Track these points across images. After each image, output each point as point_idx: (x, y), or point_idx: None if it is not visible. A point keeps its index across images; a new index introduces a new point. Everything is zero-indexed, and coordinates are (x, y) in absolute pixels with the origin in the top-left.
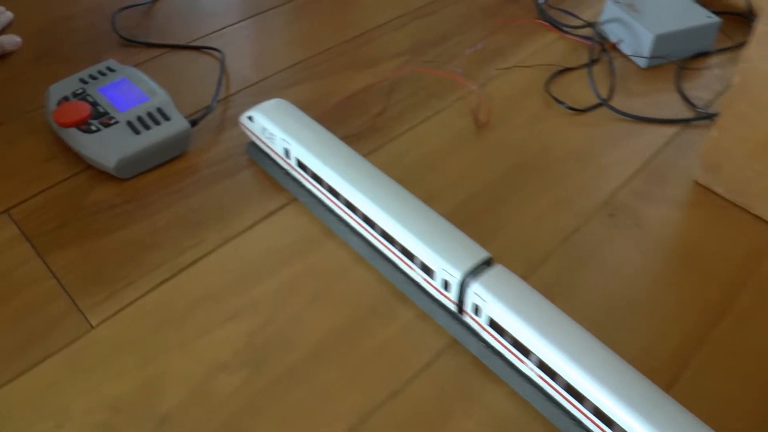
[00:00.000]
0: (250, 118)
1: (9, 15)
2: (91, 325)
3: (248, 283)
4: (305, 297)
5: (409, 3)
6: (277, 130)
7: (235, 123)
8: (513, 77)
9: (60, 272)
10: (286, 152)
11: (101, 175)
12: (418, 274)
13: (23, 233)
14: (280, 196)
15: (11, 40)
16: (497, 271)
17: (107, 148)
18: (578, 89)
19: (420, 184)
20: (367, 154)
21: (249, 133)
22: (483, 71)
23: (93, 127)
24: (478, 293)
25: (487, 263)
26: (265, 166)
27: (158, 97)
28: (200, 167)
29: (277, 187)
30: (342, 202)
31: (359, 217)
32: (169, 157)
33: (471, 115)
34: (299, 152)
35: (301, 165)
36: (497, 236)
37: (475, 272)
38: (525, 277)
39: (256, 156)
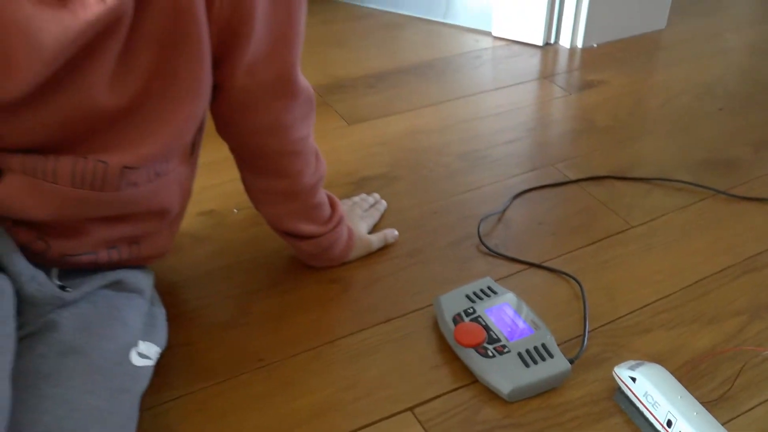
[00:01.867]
0: (633, 379)
1: (384, 204)
2: None
3: None
4: None
5: (737, 251)
6: (664, 401)
7: (599, 362)
8: None
9: None
10: (669, 423)
11: (488, 392)
12: None
13: None
14: None
15: (392, 234)
16: None
17: (503, 375)
18: None
19: None
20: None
21: (623, 386)
22: None
23: (489, 353)
24: None
25: None
26: (635, 420)
27: (541, 331)
28: (575, 405)
29: None
30: None
31: None
32: (546, 389)
33: None
34: (684, 430)
35: None
36: None
37: None
38: None
39: (625, 406)
